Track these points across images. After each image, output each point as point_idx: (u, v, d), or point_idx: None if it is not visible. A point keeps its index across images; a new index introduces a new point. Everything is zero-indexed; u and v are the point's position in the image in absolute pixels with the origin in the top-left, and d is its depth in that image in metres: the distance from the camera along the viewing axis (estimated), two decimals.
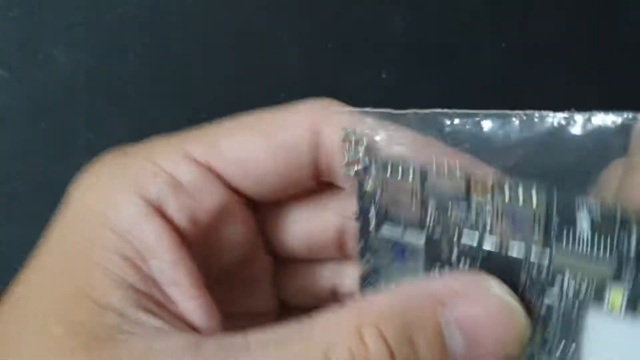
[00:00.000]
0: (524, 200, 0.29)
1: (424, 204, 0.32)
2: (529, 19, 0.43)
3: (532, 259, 0.30)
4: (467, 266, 0.30)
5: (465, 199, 0.31)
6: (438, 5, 0.27)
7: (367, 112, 0.31)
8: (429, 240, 0.32)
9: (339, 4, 0.43)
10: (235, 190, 0.30)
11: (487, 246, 0.30)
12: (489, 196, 0.30)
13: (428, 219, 0.32)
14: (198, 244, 0.28)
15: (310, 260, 0.33)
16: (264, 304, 0.33)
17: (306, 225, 0.33)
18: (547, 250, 0.29)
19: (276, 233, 0.33)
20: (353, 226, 0.33)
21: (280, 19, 0.44)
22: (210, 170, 0.29)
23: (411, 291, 0.26)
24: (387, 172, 0.32)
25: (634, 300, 0.27)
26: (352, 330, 0.23)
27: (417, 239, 0.32)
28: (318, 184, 0.31)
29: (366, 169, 0.32)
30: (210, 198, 0.29)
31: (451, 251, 0.31)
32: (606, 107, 0.27)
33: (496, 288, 0.27)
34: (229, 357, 0.23)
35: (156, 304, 0.26)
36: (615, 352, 0.28)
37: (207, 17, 0.42)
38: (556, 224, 0.28)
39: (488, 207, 0.30)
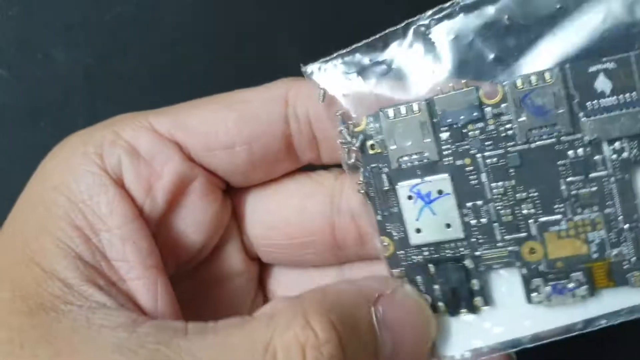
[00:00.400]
0: (537, 81, 0.28)
1: (436, 133, 0.30)
2: None
3: (565, 139, 0.28)
4: (501, 182, 0.29)
5: (479, 109, 0.29)
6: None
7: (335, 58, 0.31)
8: (452, 169, 0.30)
9: (339, 3, 0.43)
10: (202, 166, 0.29)
11: (514, 147, 0.28)
12: (503, 97, 0.28)
13: (445, 147, 0.30)
14: (159, 220, 0.28)
15: (298, 262, 0.32)
16: (247, 305, 0.32)
17: (289, 213, 0.31)
18: (578, 126, 0.28)
19: (253, 222, 0.31)
20: (354, 204, 0.32)
21: (280, 18, 0.43)
22: (173, 142, 0.28)
23: (345, 288, 0.27)
24: (389, 118, 0.30)
25: None
26: (298, 319, 0.24)
27: (438, 175, 0.30)
28: (295, 167, 0.31)
29: (364, 131, 0.31)
30: (170, 169, 0.27)
31: (479, 171, 0.30)
32: None
33: (412, 291, 0.29)
34: (163, 339, 0.23)
35: (103, 278, 0.25)
36: None
37: (206, 17, 0.41)
38: (578, 96, 0.28)
39: (504, 108, 0.28)
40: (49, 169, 0.27)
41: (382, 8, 0.41)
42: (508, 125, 0.29)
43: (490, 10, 0.29)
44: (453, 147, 0.30)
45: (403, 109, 0.30)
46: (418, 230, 0.31)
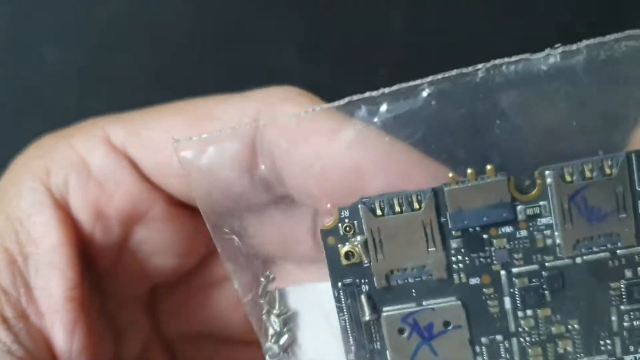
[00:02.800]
0: (593, 172, 0.20)
1: (444, 240, 0.21)
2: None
3: (622, 253, 0.20)
4: (531, 310, 0.21)
5: (510, 208, 0.20)
6: (438, 4, 0.22)
7: (317, 107, 0.21)
8: (465, 291, 0.21)
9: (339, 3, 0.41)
10: (158, 187, 0.26)
11: (554, 262, 0.20)
12: (543, 191, 0.20)
13: (456, 259, 0.21)
14: (116, 247, 0.25)
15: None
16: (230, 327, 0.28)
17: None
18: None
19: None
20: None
21: (278, 18, 0.41)
22: (128, 158, 0.25)
23: None
24: (375, 214, 0.21)
25: None
26: None
27: (446, 299, 0.21)
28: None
29: (336, 229, 0.21)
30: (122, 192, 0.25)
31: (501, 294, 0.21)
32: None
33: None
34: None
35: (17, 312, 0.23)
36: None
37: (200, 15, 0.40)
38: None
39: (543, 207, 0.20)
40: (4, 182, 0.26)
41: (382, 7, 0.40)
42: (547, 232, 0.21)
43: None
44: (467, 259, 0.21)
45: (396, 202, 0.21)
46: None
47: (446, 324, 0.21)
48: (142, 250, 0.26)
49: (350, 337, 0.22)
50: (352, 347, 0.22)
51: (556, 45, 0.19)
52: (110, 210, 0.25)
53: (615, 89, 0.20)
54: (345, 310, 0.22)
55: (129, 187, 0.25)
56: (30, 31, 0.42)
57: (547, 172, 0.20)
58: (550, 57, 0.20)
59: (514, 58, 0.20)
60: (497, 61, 0.20)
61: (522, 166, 0.21)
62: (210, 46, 0.42)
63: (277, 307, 0.23)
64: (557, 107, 0.20)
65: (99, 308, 0.26)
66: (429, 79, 0.20)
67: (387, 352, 0.21)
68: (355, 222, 0.21)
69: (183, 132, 0.24)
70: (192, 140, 0.22)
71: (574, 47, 0.19)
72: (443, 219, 0.21)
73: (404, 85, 0.20)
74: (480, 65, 0.20)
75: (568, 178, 0.20)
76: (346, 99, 0.20)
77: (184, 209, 0.26)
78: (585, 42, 0.19)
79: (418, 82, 0.20)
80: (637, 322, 0.21)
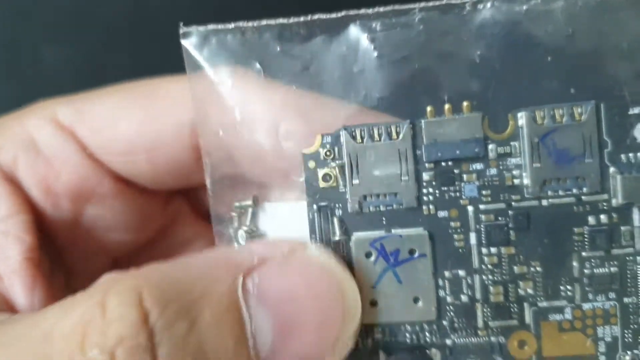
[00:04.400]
0: (564, 116, 0.21)
1: (418, 172, 0.22)
2: None
3: (587, 199, 0.21)
4: (496, 247, 0.22)
5: (481, 144, 0.21)
6: None
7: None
8: (432, 222, 0.22)
9: None
10: (104, 165, 0.26)
11: (521, 202, 0.21)
12: (515, 132, 0.21)
13: (427, 191, 0.22)
14: (70, 222, 0.26)
15: None
16: None
17: None
18: (606, 184, 0.22)
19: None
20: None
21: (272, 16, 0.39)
22: (75, 137, 0.26)
23: (205, 259, 0.21)
24: (355, 140, 0.22)
25: None
26: (95, 296, 0.19)
27: (413, 228, 0.22)
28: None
29: (317, 154, 0.22)
30: (69, 170, 0.26)
31: (468, 229, 0.22)
32: None
33: (317, 252, 0.21)
34: None
35: None
36: None
37: (198, 14, 0.36)
38: (611, 145, 0.21)
39: (514, 147, 0.21)
40: None
41: None
42: (516, 172, 0.22)
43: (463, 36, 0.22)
44: (437, 192, 0.22)
45: (376, 131, 0.22)
46: (373, 303, 0.22)
47: (412, 251, 0.22)
48: (97, 226, 0.27)
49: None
50: None
51: None
52: (59, 187, 0.26)
53: (589, 34, 0.21)
54: (317, 231, 0.22)
55: (75, 165, 0.26)
56: (26, 31, 0.42)
57: (519, 114, 0.22)
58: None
59: None
60: None
61: (499, 107, 0.22)
62: None
63: (247, 222, 0.23)
64: (535, 46, 0.21)
65: (64, 285, 0.26)
66: (421, 4, 0.21)
67: (355, 275, 0.22)
68: (335, 147, 0.22)
69: (128, 111, 0.25)
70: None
71: None
72: (418, 152, 0.22)
73: (397, 7, 0.21)
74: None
75: (539, 121, 0.21)
76: (342, 12, 0.22)
77: (132, 187, 0.27)
78: None
79: (410, 6, 0.21)
80: (598, 270, 0.22)
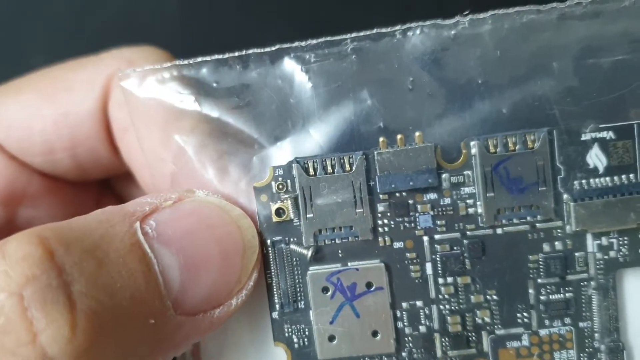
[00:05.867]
0: (517, 144, 0.21)
1: (372, 203, 0.22)
2: None
3: (541, 226, 0.21)
4: (452, 277, 0.22)
5: (435, 174, 0.21)
6: None
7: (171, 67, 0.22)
8: (388, 254, 0.22)
9: None
10: (28, 165, 0.26)
11: (475, 232, 0.21)
12: (467, 161, 0.21)
13: (382, 223, 0.22)
14: (5, 223, 0.25)
15: None
16: None
17: None
18: (560, 211, 0.22)
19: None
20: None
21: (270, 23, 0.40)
22: None
23: (100, 212, 0.20)
24: (307, 173, 0.22)
25: None
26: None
27: (370, 261, 0.22)
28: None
29: (269, 187, 0.22)
30: None
31: (423, 259, 0.22)
32: None
33: (204, 195, 0.21)
34: None
35: None
36: None
37: (189, 23, 0.40)
38: (564, 171, 0.21)
39: (467, 176, 0.21)
40: None
41: None
42: (470, 201, 0.22)
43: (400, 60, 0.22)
44: (392, 223, 0.22)
45: (329, 162, 0.22)
46: (331, 339, 0.22)
47: (369, 284, 0.22)
48: (35, 223, 0.26)
49: (275, 295, 0.22)
50: (277, 305, 0.22)
51: (465, 13, 0.21)
52: None
53: (517, 55, 0.21)
54: (272, 267, 0.22)
55: (1, 169, 0.25)
56: (19, 41, 0.42)
57: (472, 143, 0.21)
58: (460, 24, 0.21)
59: (427, 22, 0.21)
60: (413, 24, 0.21)
61: (450, 136, 0.22)
62: (198, 53, 0.42)
63: None
64: (465, 68, 0.21)
65: None
66: (353, 35, 0.21)
67: (311, 311, 0.22)
68: (288, 180, 0.22)
69: (40, 110, 0.24)
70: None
71: (481, 16, 0.21)
72: (372, 183, 0.22)
73: (330, 38, 0.21)
74: (397, 27, 0.21)
75: (492, 149, 0.21)
76: (277, 46, 0.21)
77: (62, 183, 0.26)
78: (490, 12, 0.21)
79: (342, 36, 0.21)
80: (553, 296, 0.22)
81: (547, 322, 0.22)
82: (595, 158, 0.21)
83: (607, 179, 0.21)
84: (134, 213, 0.20)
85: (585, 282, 0.22)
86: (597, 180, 0.21)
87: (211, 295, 0.20)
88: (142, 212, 0.20)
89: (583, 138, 0.21)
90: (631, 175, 0.21)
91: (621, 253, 0.21)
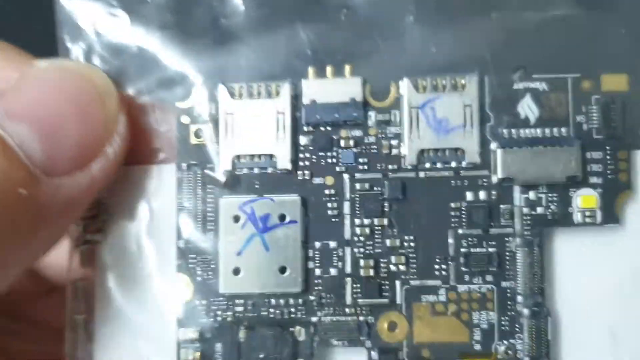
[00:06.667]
0: (446, 85, 0.20)
1: (295, 134, 0.21)
2: None
3: (466, 174, 0.20)
4: (369, 219, 0.21)
5: (362, 109, 0.21)
6: None
7: None
8: (306, 188, 0.21)
9: None
10: None
11: (397, 173, 0.20)
12: (396, 100, 0.21)
13: (304, 155, 0.21)
14: None
15: None
16: None
17: None
18: (486, 158, 0.21)
19: None
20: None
21: None
22: None
23: None
24: (232, 96, 0.21)
25: None
26: None
27: (286, 194, 0.21)
28: None
29: (190, 110, 0.22)
30: None
31: (342, 198, 0.21)
32: None
33: (48, 64, 0.20)
34: None
35: None
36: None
37: None
38: (493, 118, 0.21)
39: (393, 115, 0.21)
40: None
41: None
42: (395, 142, 0.21)
43: None
44: (314, 157, 0.21)
45: (256, 88, 0.21)
46: (236, 271, 0.21)
47: (282, 217, 0.21)
48: None
49: (184, 222, 0.21)
50: (183, 234, 0.21)
51: None
52: None
53: None
54: (185, 191, 0.21)
55: None
56: None
57: (401, 82, 0.21)
58: None
59: None
60: None
61: (380, 73, 0.21)
62: None
63: None
64: (401, 5, 0.21)
65: None
66: None
67: (219, 244, 0.21)
68: (213, 103, 0.21)
69: None
70: None
71: None
72: (298, 114, 0.21)
73: None
74: None
75: (421, 89, 0.21)
76: None
77: None
78: None
79: None
80: (475, 250, 0.21)
81: (466, 277, 0.21)
82: (527, 108, 0.21)
83: (538, 130, 0.20)
84: None
85: (510, 238, 0.20)
86: (527, 130, 0.21)
87: (81, 151, 0.19)
88: None
89: (515, 87, 0.21)
90: (563, 129, 0.20)
91: (550, 210, 0.20)
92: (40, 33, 0.23)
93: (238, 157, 0.21)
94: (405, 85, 0.21)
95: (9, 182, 0.18)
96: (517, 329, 0.20)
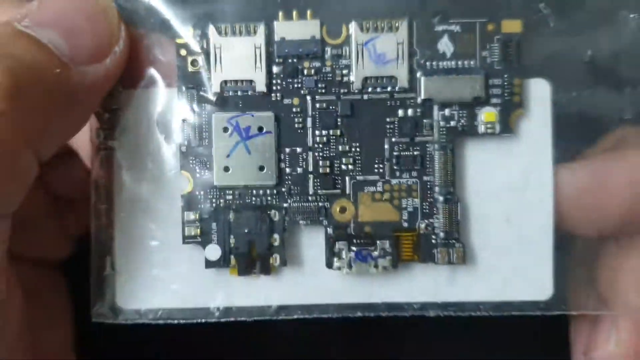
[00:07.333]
0: (385, 27, 0.26)
1: (269, 64, 0.27)
2: None
3: (398, 96, 0.27)
4: (326, 130, 0.27)
5: (320, 45, 0.27)
6: None
7: None
8: (278, 107, 0.28)
9: None
10: None
11: (347, 95, 0.27)
12: (347, 38, 0.27)
13: (276, 82, 0.27)
14: None
15: None
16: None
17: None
18: (413, 84, 0.28)
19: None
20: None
21: None
22: None
23: None
24: (220, 34, 0.27)
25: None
26: None
27: (263, 112, 0.27)
28: None
29: (187, 44, 0.28)
30: None
31: (306, 114, 0.27)
32: None
33: None
34: None
35: None
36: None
37: None
38: (419, 53, 0.27)
39: (345, 50, 0.27)
40: None
41: None
42: (345, 71, 0.27)
43: None
44: (284, 83, 0.27)
45: (238, 27, 0.27)
46: (226, 169, 0.27)
47: (260, 128, 0.27)
48: None
49: (185, 132, 0.28)
50: (186, 141, 0.28)
51: None
52: None
53: None
54: (185, 108, 0.28)
55: None
56: None
57: (350, 24, 0.27)
58: None
59: None
60: None
61: (336, 17, 0.27)
62: None
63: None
64: None
65: None
66: None
67: (213, 149, 0.27)
68: (205, 40, 0.27)
69: None
70: None
71: None
72: (271, 49, 0.27)
73: None
74: None
75: (365, 30, 0.27)
76: None
77: None
78: None
79: None
80: (404, 153, 0.27)
81: (397, 173, 0.28)
82: (445, 45, 0.27)
83: (453, 62, 0.27)
84: (9, 22, 0.25)
85: (430, 144, 0.27)
86: (444, 62, 0.27)
87: (96, 48, 0.25)
88: (15, 17, 0.25)
89: (436, 29, 0.27)
90: (471, 62, 0.27)
91: (460, 123, 0.27)
92: None
93: (225, 82, 0.27)
94: (353, 26, 0.27)
95: (48, 66, 0.24)
96: (434, 212, 0.28)
